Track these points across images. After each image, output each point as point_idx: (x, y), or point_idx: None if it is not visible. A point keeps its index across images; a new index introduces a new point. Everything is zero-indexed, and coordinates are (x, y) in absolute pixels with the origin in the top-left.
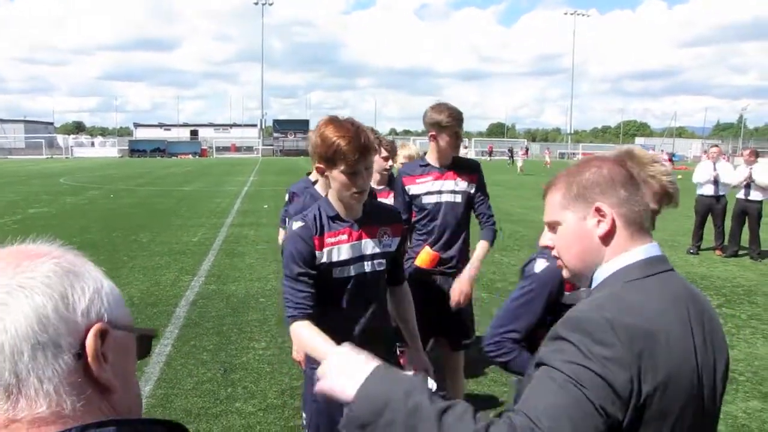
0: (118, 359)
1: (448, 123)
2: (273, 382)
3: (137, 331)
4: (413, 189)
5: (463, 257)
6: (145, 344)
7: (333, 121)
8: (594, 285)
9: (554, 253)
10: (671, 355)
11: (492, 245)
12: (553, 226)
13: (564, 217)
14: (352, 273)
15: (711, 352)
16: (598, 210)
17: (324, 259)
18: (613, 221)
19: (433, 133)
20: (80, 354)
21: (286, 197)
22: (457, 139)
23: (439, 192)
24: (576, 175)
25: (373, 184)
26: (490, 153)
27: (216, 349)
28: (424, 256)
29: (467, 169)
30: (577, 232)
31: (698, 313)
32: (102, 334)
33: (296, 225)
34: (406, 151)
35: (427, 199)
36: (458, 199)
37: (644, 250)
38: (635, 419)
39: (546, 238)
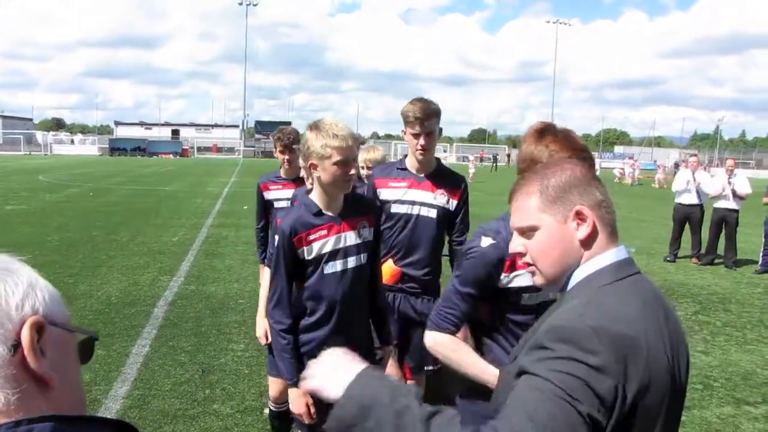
0: (57, 356)
1: (413, 117)
2: (251, 384)
3: (76, 329)
4: (384, 193)
5: (432, 280)
6: (87, 347)
7: None
8: (569, 287)
9: (527, 259)
10: (651, 359)
11: None
12: (525, 231)
13: (542, 222)
14: None
15: (678, 349)
16: (578, 213)
17: (511, 285)
18: (594, 224)
19: (404, 128)
20: (15, 346)
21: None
22: (420, 138)
23: (412, 203)
24: (550, 178)
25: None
26: (481, 159)
27: (194, 350)
28: (384, 270)
29: (450, 182)
30: (556, 236)
31: (664, 313)
32: (38, 328)
33: (486, 241)
34: (370, 154)
35: (397, 208)
36: (432, 214)
37: (615, 253)
38: (622, 423)
39: (517, 244)
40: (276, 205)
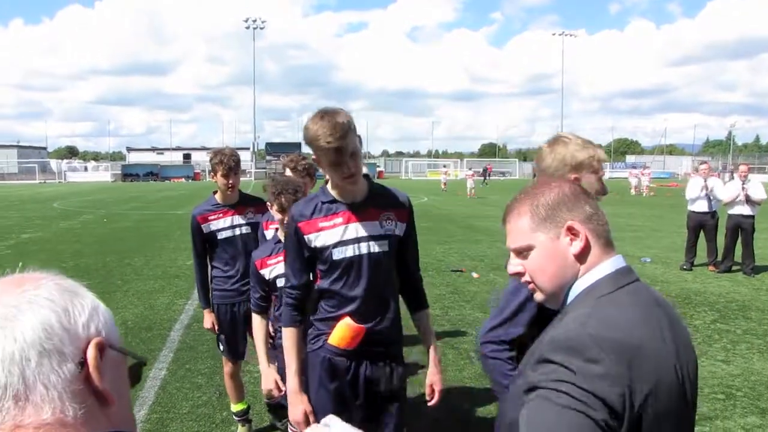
0: (113, 377)
1: (325, 142)
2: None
3: (130, 354)
4: (318, 239)
5: (396, 330)
6: (136, 371)
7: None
8: (568, 302)
9: (526, 278)
10: (655, 365)
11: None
12: (521, 252)
13: (536, 240)
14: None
15: (684, 354)
16: (570, 229)
17: None
18: (587, 238)
19: (315, 156)
20: (82, 363)
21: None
22: (344, 166)
23: (357, 240)
24: (540, 197)
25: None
26: (489, 173)
27: (211, 373)
28: (342, 332)
29: (393, 200)
30: (551, 253)
31: (668, 319)
32: (101, 348)
33: None
34: None
35: (341, 253)
36: (385, 247)
37: (611, 263)
38: (632, 430)
39: (514, 265)
40: (219, 236)
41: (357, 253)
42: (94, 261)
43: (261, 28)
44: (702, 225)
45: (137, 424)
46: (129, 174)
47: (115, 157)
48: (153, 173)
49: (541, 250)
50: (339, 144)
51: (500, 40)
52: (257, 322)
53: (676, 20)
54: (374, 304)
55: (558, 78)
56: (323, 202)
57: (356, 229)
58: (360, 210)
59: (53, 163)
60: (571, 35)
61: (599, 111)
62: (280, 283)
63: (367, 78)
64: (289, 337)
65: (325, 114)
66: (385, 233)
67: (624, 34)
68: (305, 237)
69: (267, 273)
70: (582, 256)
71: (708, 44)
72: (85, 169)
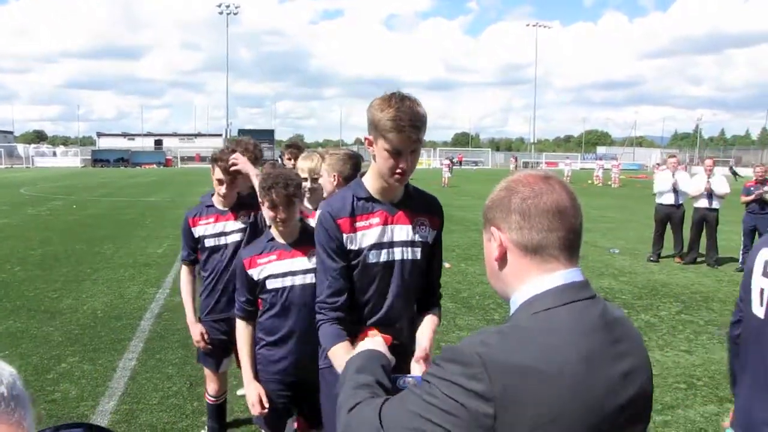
0: None
1: (396, 126)
2: (240, 395)
3: None
4: (353, 240)
5: (414, 342)
6: None
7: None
8: (511, 313)
9: None
10: (557, 392)
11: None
12: None
13: (485, 234)
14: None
15: (628, 385)
16: (492, 234)
17: None
18: (502, 246)
19: (371, 137)
20: None
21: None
22: (401, 159)
23: (391, 245)
24: (491, 196)
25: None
26: (461, 163)
27: (182, 363)
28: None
29: (427, 206)
30: (486, 252)
31: (614, 348)
32: None
33: None
34: (314, 162)
35: (375, 257)
36: (417, 254)
37: (559, 276)
38: None
39: None
40: (207, 243)
41: (390, 258)
42: (63, 249)
43: (235, 14)
44: (669, 217)
45: (106, 416)
46: (99, 159)
47: (85, 142)
48: (124, 159)
49: (485, 245)
50: (413, 133)
51: (476, 29)
52: (241, 329)
53: (648, 14)
54: (398, 315)
55: (532, 69)
56: (359, 199)
57: (392, 232)
58: (396, 212)
59: (20, 148)
60: (545, 26)
61: (572, 102)
62: (271, 284)
63: (343, 65)
64: (339, 354)
65: (406, 98)
66: (419, 239)
67: (597, 27)
68: (345, 237)
69: (256, 273)
70: (500, 263)
71: (678, 38)
72: (54, 154)
